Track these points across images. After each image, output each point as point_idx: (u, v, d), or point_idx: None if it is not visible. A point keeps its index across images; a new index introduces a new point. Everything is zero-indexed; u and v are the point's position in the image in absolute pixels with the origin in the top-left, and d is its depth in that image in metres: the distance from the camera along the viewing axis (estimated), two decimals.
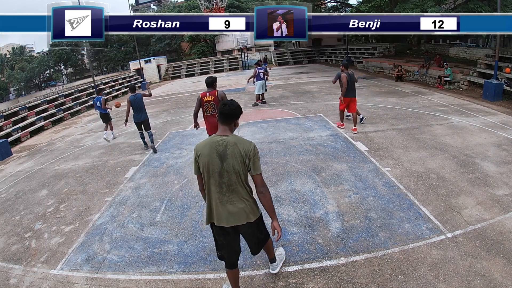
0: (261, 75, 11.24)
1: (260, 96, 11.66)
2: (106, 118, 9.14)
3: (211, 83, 5.03)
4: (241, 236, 2.69)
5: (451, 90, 11.74)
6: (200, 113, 5.31)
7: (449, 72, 12.35)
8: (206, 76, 5.51)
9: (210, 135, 4.68)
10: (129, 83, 24.79)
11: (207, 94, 4.99)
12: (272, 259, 3.13)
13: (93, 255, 3.78)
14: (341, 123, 7.65)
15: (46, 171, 7.17)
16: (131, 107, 7.15)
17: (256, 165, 2.41)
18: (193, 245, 3.75)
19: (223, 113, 2.44)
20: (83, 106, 16.97)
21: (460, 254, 3.17)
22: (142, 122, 7.32)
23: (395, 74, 14.97)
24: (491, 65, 10.80)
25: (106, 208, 4.94)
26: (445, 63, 12.99)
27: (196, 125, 5.61)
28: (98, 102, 9.03)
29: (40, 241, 4.27)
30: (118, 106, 9.36)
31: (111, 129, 9.35)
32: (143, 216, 4.52)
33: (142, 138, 7.73)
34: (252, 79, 11.40)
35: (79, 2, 16.87)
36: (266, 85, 11.78)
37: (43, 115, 13.65)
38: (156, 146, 7.87)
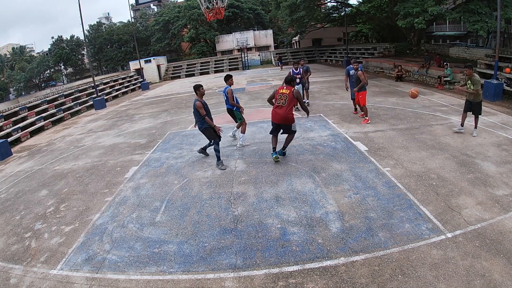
0: (297, 80, 9.24)
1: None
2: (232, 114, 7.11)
3: (290, 80, 5.73)
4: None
5: (451, 90, 11.73)
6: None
7: (449, 72, 12.35)
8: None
9: (276, 124, 5.72)
10: (129, 83, 24.81)
11: (284, 87, 5.63)
12: None
13: (93, 255, 3.78)
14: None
15: (46, 171, 7.17)
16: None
17: None
18: (193, 245, 3.75)
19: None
20: (83, 106, 16.97)
21: (460, 254, 3.17)
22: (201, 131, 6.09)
23: (395, 74, 14.97)
24: (491, 65, 10.80)
25: (106, 208, 4.93)
26: (445, 63, 12.99)
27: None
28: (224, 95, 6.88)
29: (40, 241, 4.27)
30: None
31: (242, 131, 7.02)
32: (143, 216, 4.52)
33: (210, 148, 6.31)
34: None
35: (79, 3, 16.88)
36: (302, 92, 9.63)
37: (43, 115, 13.65)
38: (156, 146, 7.86)
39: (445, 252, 3.22)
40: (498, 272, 2.90)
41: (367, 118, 8.07)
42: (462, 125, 6.69)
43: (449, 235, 3.47)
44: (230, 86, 6.79)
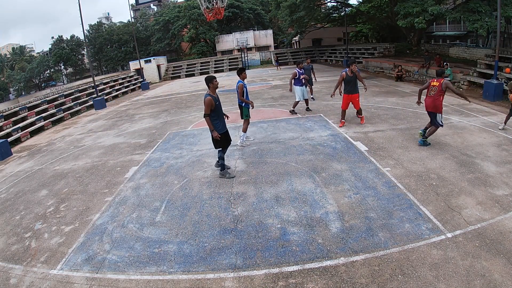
0: (303, 80, 9.19)
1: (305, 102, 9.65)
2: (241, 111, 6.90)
3: (441, 73, 6.14)
4: None
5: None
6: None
7: (449, 72, 12.35)
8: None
9: (427, 111, 6.12)
10: (129, 83, 24.81)
11: (435, 80, 6.11)
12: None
13: (93, 255, 3.78)
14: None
15: (46, 171, 7.17)
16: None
17: None
18: (193, 245, 3.75)
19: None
20: (83, 106, 16.98)
21: (460, 254, 3.18)
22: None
23: (395, 74, 14.97)
24: (491, 65, 10.79)
25: (106, 208, 4.94)
26: (445, 63, 12.99)
27: (419, 102, 6.50)
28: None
29: (40, 241, 4.27)
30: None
31: (243, 130, 6.99)
32: (143, 216, 4.52)
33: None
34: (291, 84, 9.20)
35: (79, 4, 16.86)
36: (306, 92, 9.53)
37: (43, 115, 13.65)
38: (156, 146, 7.85)
39: (445, 252, 3.22)
40: (498, 272, 2.90)
41: (362, 115, 8.00)
42: (505, 123, 6.93)
43: (449, 235, 3.47)
44: (243, 81, 6.49)
